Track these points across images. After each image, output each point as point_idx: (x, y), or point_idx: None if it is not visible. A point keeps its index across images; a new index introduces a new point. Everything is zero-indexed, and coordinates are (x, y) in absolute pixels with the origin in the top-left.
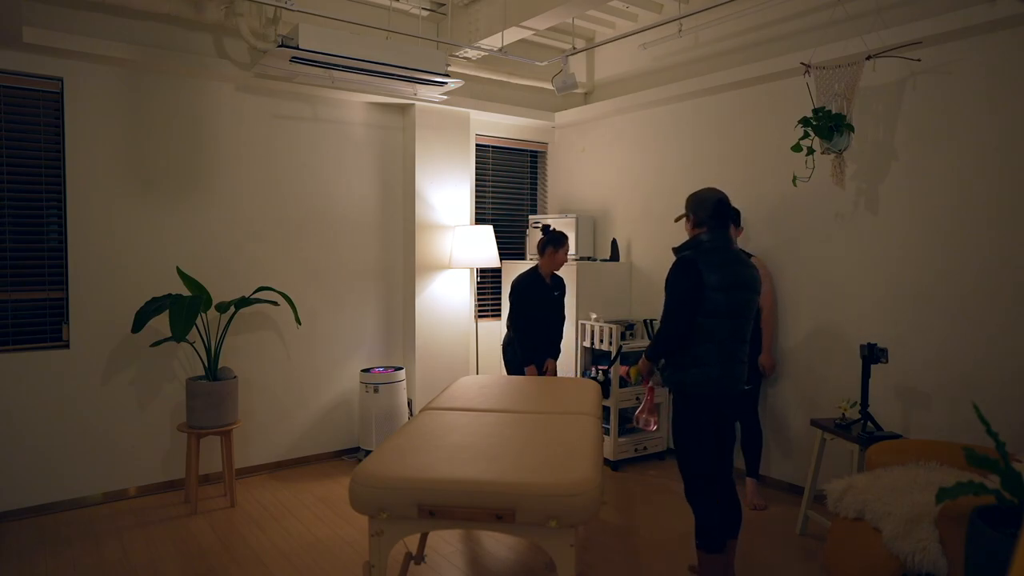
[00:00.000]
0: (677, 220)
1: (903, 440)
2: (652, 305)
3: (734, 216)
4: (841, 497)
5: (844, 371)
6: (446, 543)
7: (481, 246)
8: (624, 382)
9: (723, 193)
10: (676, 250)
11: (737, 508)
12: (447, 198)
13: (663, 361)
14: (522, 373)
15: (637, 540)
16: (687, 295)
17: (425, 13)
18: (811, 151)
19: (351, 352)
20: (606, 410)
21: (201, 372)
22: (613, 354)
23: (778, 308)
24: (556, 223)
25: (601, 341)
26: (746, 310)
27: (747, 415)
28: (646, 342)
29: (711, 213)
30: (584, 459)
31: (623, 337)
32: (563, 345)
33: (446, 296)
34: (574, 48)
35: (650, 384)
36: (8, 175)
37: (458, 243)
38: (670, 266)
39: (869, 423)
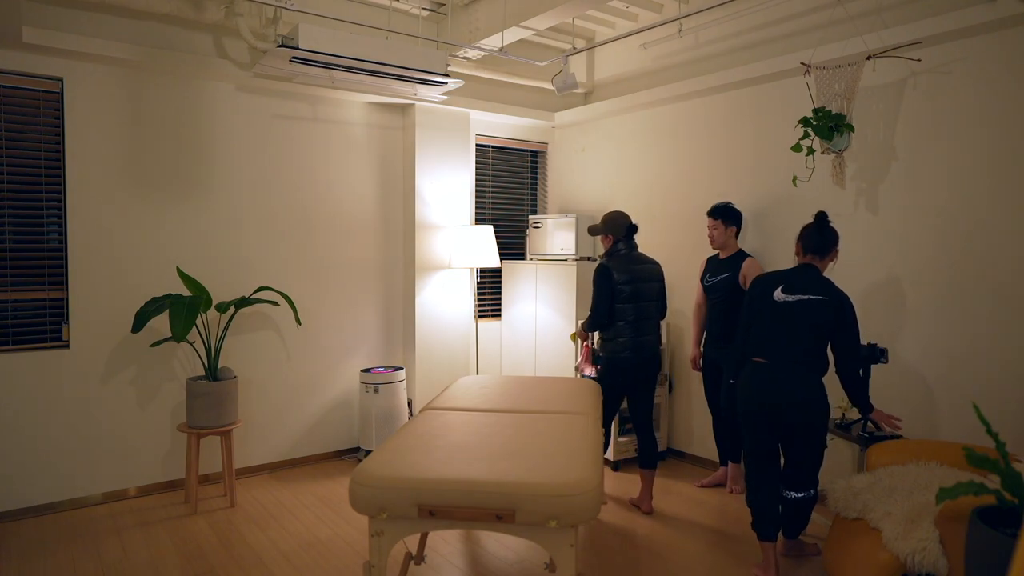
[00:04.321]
0: (593, 234)
1: (903, 440)
2: None
3: (735, 219)
4: (841, 497)
5: None
6: (446, 543)
7: (481, 246)
8: None
9: (627, 216)
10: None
11: (653, 443)
12: (447, 198)
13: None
14: None
15: (637, 540)
16: (605, 290)
17: (425, 13)
18: (811, 151)
19: (351, 352)
20: None
21: (201, 372)
22: None
23: None
24: (556, 223)
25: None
26: (647, 296)
27: (733, 410)
28: None
29: (624, 232)
30: (584, 459)
31: None
32: (563, 345)
33: (446, 296)
34: (574, 48)
35: (586, 343)
36: (8, 175)
37: (458, 243)
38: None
39: (869, 423)
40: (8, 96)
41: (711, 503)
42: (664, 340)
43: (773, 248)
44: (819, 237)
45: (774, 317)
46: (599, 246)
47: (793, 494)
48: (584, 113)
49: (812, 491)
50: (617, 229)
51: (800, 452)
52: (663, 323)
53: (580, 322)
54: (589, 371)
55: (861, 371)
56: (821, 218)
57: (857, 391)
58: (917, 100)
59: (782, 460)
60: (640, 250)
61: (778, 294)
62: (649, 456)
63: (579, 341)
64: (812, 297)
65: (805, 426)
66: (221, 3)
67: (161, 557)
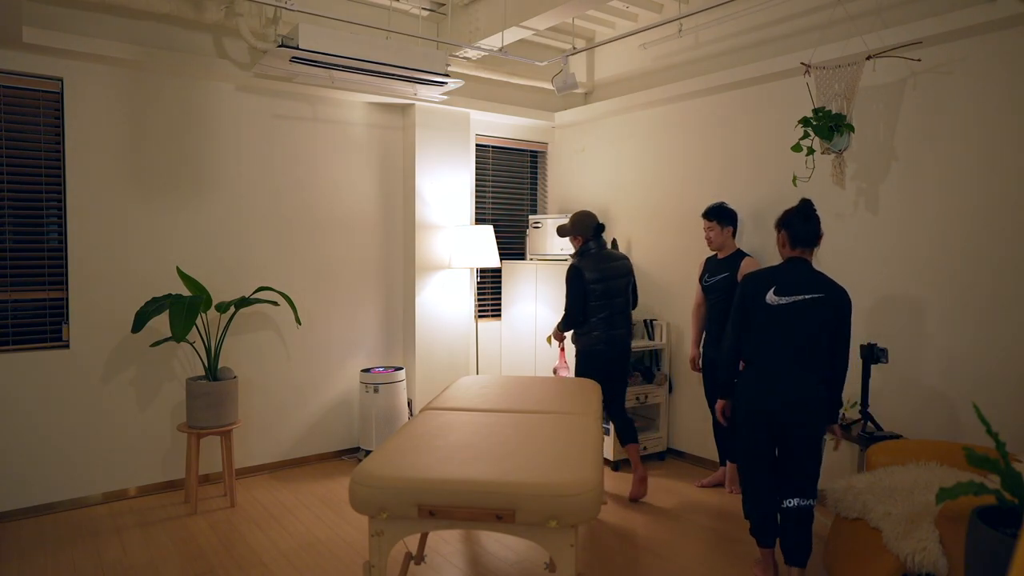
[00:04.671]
0: (562, 235)
1: (903, 440)
2: (652, 305)
3: (731, 219)
4: (841, 497)
5: None
6: (446, 543)
7: (481, 246)
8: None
9: (594, 215)
10: (576, 254)
11: (629, 421)
12: (447, 198)
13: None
14: None
15: (637, 540)
16: (578, 290)
17: (425, 13)
18: (811, 151)
19: (351, 352)
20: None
21: (201, 372)
22: None
23: None
24: (556, 223)
25: None
26: (618, 292)
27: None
28: (646, 341)
29: (592, 232)
30: (584, 459)
31: None
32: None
33: (446, 296)
34: (574, 48)
35: (562, 347)
36: (8, 175)
37: (458, 243)
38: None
39: (869, 423)
40: (8, 96)
41: (711, 503)
42: (663, 340)
43: (773, 248)
44: (808, 227)
45: (769, 320)
46: None
47: (796, 501)
48: (584, 113)
49: (812, 500)
50: (586, 229)
51: (797, 454)
52: (663, 324)
53: (555, 324)
54: (565, 372)
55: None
56: (808, 206)
57: (836, 396)
58: (917, 100)
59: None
60: (644, 249)
61: (771, 297)
62: (628, 432)
63: (555, 343)
64: (807, 297)
65: (801, 426)
66: (221, 3)
67: (161, 557)
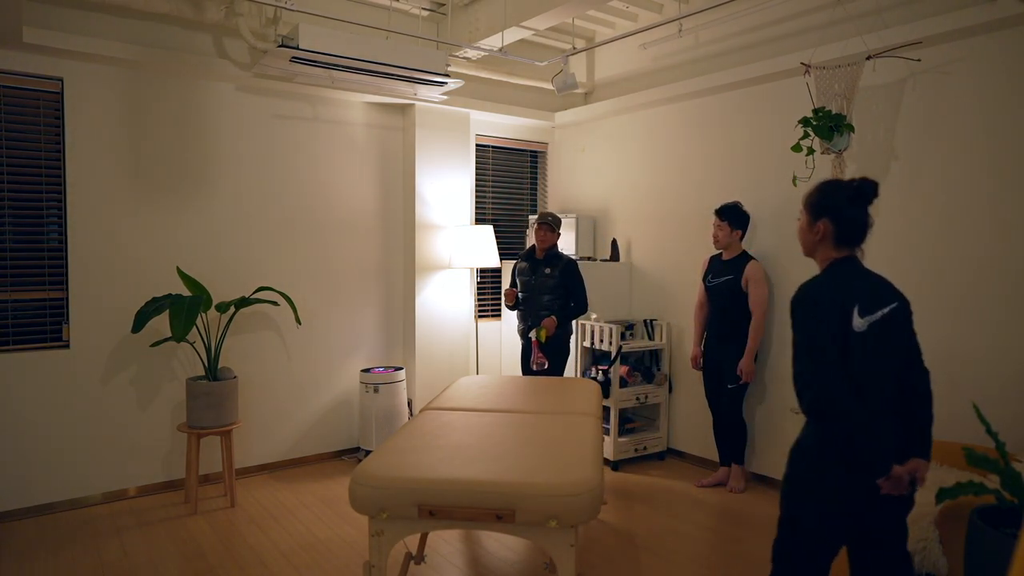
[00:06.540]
0: (555, 228)
1: None
2: (652, 305)
3: (742, 222)
4: None
5: None
6: (446, 543)
7: (481, 246)
8: (624, 382)
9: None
10: (558, 254)
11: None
12: (447, 198)
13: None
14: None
15: (637, 540)
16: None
17: (425, 13)
18: (811, 151)
19: (351, 352)
20: (606, 410)
21: (201, 372)
22: (613, 354)
23: (776, 310)
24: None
25: (601, 341)
26: None
27: (732, 413)
28: (646, 342)
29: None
30: (584, 459)
31: (623, 337)
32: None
33: (446, 296)
34: (574, 48)
35: (536, 340)
36: (8, 175)
37: (458, 243)
38: (574, 265)
39: None
40: (8, 96)
41: (711, 503)
42: (663, 340)
43: (773, 248)
44: (866, 216)
45: (863, 354)
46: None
47: None
48: (584, 113)
49: None
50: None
51: (890, 551)
52: (663, 324)
53: (545, 322)
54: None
55: None
56: (872, 186)
57: (930, 424)
58: (917, 100)
59: None
60: (644, 249)
61: (857, 321)
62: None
63: (532, 337)
64: (885, 311)
65: (901, 520)
66: (221, 3)
67: (161, 557)
